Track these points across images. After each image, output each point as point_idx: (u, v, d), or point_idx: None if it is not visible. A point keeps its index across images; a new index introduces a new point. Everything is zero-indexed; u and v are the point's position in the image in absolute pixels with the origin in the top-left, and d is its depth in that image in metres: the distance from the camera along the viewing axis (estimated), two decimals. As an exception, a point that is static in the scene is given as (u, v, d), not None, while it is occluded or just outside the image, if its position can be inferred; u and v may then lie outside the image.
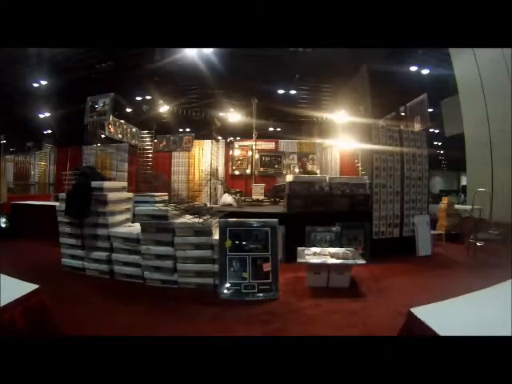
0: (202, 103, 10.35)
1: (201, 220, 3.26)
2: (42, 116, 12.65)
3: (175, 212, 3.48)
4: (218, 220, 3.34)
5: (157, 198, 4.84)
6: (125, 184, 4.40)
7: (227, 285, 3.00)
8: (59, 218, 3.79)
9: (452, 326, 1.21)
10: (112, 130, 7.59)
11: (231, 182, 9.73)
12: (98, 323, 2.34)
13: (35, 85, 9.93)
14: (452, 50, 7.10)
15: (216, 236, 3.19)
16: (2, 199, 7.02)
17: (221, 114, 9.97)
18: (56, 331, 1.74)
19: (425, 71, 8.81)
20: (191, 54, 7.77)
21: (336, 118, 9.38)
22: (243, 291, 2.97)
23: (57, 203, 3.99)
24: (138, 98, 11.00)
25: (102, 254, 3.55)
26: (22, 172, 11.23)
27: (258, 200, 6.86)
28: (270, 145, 10.33)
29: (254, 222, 3.25)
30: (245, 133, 10.72)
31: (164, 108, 9.46)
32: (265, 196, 7.46)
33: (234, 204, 5.98)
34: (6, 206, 6.30)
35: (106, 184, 3.82)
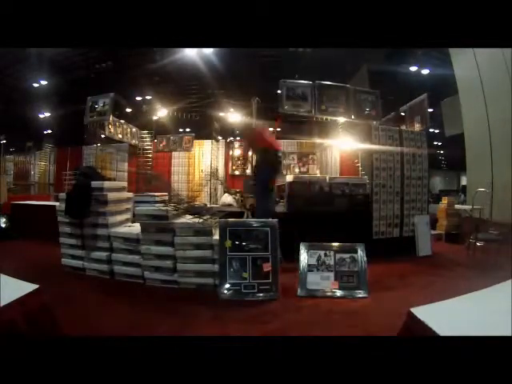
0: (202, 103, 10.36)
1: (201, 220, 3.26)
2: (42, 116, 12.66)
3: (175, 212, 3.48)
4: (217, 220, 3.34)
5: (157, 198, 4.84)
6: (125, 184, 4.40)
7: (227, 285, 3.00)
8: (59, 218, 3.78)
9: (452, 325, 1.21)
10: (112, 130, 7.60)
11: (231, 181, 9.71)
12: (98, 323, 2.34)
13: (35, 85, 9.93)
14: (452, 50, 7.09)
15: (216, 236, 3.19)
16: (2, 199, 7.03)
17: (221, 114, 9.97)
18: (56, 331, 1.74)
19: (425, 71, 8.82)
20: (191, 54, 7.78)
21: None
22: (243, 291, 2.96)
23: (57, 203, 3.99)
24: (138, 98, 11.01)
25: (102, 254, 3.55)
26: (22, 172, 11.24)
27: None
28: (270, 145, 10.28)
29: (253, 221, 3.25)
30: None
31: (164, 108, 9.48)
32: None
33: (234, 204, 5.98)
34: (6, 206, 6.30)
35: (106, 184, 3.81)
